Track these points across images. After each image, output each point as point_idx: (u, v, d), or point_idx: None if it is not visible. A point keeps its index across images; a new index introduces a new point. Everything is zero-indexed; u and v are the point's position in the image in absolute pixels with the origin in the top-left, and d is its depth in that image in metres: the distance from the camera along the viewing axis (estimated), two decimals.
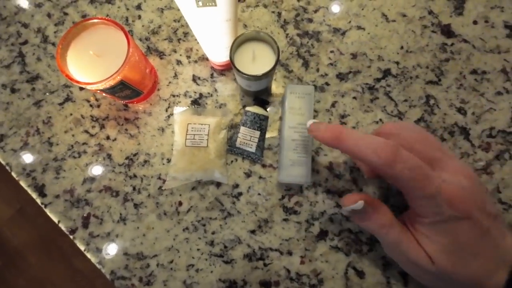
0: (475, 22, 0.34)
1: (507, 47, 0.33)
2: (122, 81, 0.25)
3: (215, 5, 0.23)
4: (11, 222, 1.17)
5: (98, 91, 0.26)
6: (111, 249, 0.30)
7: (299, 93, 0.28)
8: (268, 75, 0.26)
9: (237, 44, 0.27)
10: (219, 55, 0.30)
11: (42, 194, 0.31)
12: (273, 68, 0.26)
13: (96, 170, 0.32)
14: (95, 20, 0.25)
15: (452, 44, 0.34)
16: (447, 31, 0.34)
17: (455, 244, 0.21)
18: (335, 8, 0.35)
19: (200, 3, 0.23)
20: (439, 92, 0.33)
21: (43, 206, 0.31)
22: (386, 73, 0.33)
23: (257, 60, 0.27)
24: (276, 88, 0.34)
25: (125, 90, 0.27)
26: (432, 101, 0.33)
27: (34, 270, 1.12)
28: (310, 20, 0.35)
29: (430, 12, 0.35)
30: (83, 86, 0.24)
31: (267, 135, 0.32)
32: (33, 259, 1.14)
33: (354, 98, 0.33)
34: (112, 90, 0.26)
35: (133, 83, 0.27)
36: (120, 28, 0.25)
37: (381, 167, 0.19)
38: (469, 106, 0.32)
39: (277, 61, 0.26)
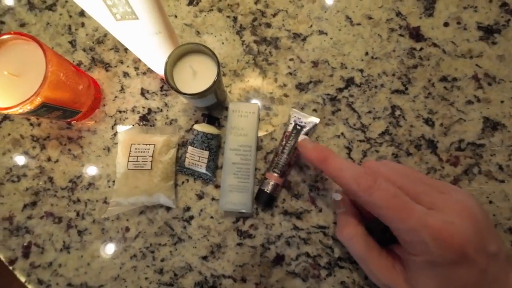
0: (446, 24, 0.32)
1: (479, 51, 0.31)
2: (45, 103, 0.23)
3: (137, 18, 0.20)
4: None
5: (18, 115, 0.23)
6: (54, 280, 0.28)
7: (242, 112, 0.25)
8: (210, 91, 0.24)
9: (175, 58, 0.24)
10: (161, 68, 0.27)
11: None
12: (213, 85, 0.23)
13: (37, 195, 0.30)
14: (7, 36, 0.22)
15: (421, 49, 0.31)
16: (415, 34, 0.32)
17: None
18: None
19: (119, 16, 0.20)
20: (406, 102, 0.30)
21: None
22: (349, 82, 0.31)
23: (198, 75, 0.25)
24: (231, 101, 0.31)
25: (53, 112, 0.25)
26: (397, 112, 0.30)
27: None
28: (269, 25, 0.32)
29: (398, 14, 0.32)
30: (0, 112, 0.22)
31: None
32: None
33: (315, 110, 0.31)
34: (37, 113, 0.24)
35: (61, 104, 0.25)
36: (38, 43, 0.22)
37: (359, 193, 0.20)
38: (437, 117, 0.30)
39: (217, 76, 0.23)
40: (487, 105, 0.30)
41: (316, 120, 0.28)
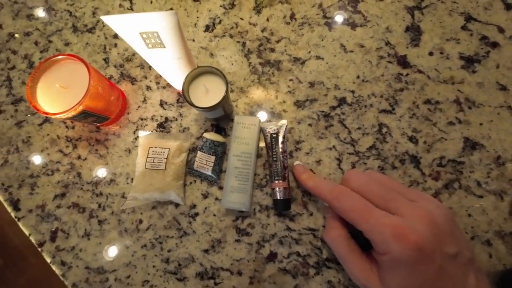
0: (430, 54, 0.36)
1: (461, 78, 0.35)
2: (85, 111, 0.28)
3: (164, 47, 0.25)
4: (13, 222, 1.21)
5: (64, 118, 0.28)
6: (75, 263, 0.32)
7: (245, 124, 0.30)
8: (219, 105, 0.29)
9: (191, 78, 0.29)
10: (179, 84, 0.32)
11: (16, 208, 0.34)
12: (222, 100, 0.28)
13: (66, 187, 0.35)
14: (61, 57, 0.28)
15: (407, 74, 0.35)
16: (402, 61, 0.36)
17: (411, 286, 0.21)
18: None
19: (150, 45, 0.25)
20: (392, 120, 0.34)
21: (16, 219, 0.34)
22: (342, 101, 0.35)
23: (210, 92, 0.30)
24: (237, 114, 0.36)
25: (89, 118, 0.30)
26: (384, 130, 0.34)
27: (34, 271, 1.16)
28: (272, 50, 0.37)
29: (387, 43, 0.36)
30: (49, 116, 0.27)
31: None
32: (33, 260, 1.17)
33: (310, 125, 0.35)
34: (76, 118, 0.29)
35: (96, 111, 0.30)
36: (84, 63, 0.28)
37: (332, 201, 0.26)
38: (421, 135, 0.33)
39: (226, 93, 0.28)
40: (467, 126, 0.33)
41: (284, 121, 0.32)
